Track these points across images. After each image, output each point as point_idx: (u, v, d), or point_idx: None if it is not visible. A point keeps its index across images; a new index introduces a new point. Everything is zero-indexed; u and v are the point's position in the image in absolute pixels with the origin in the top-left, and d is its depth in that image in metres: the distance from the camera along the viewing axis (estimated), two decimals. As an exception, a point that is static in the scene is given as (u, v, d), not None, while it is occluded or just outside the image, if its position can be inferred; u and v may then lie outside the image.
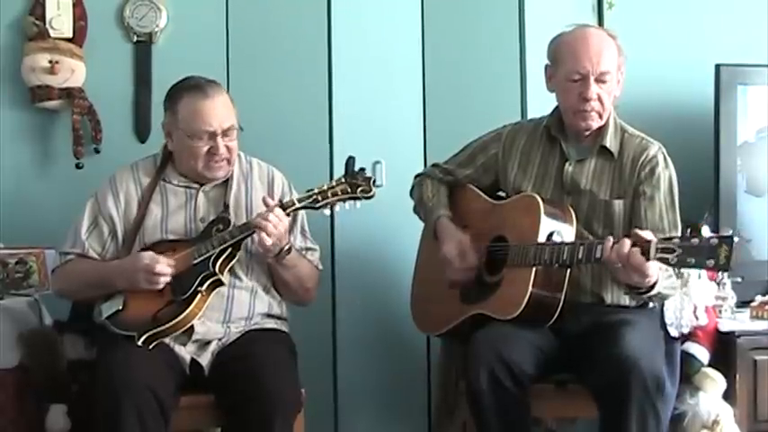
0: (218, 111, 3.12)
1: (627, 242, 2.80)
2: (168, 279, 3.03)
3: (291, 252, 3.12)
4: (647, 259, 2.76)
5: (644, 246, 2.76)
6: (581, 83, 3.08)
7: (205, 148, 3.13)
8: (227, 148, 3.15)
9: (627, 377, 2.83)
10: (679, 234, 3.02)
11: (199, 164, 3.15)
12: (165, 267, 3.02)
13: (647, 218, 3.07)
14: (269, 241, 3.01)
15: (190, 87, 3.14)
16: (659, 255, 2.73)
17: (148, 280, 3.02)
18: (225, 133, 3.13)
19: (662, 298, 3.06)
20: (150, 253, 3.06)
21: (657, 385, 2.86)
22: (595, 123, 3.13)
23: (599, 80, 3.07)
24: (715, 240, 2.65)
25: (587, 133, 3.16)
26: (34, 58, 3.62)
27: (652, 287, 2.88)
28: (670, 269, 2.91)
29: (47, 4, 3.64)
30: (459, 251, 3.16)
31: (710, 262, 2.65)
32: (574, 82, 3.09)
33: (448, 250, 3.18)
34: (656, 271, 2.84)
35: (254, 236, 3.05)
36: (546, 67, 3.20)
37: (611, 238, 2.84)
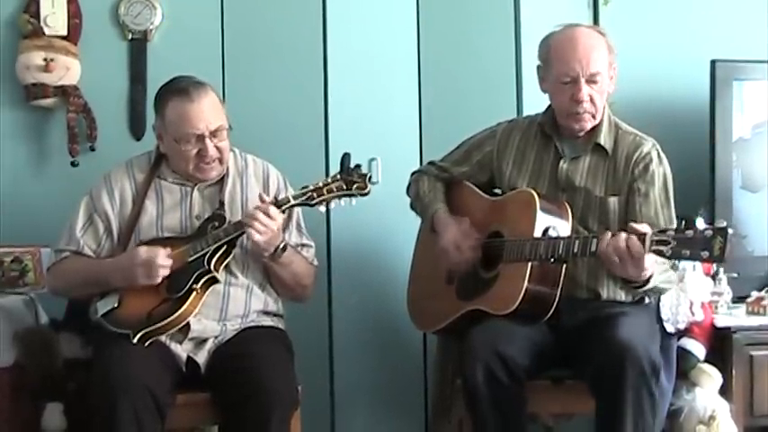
0: (205, 113, 3.10)
1: (623, 235, 2.80)
2: (167, 272, 3.03)
3: (287, 250, 3.12)
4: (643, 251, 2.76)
5: (639, 239, 2.77)
6: (572, 85, 3.08)
7: (194, 151, 3.12)
8: (218, 148, 3.14)
9: (622, 360, 2.83)
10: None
11: (190, 166, 3.15)
12: (164, 260, 3.02)
13: (642, 214, 3.07)
14: (258, 238, 3.00)
15: (175, 91, 3.13)
16: (654, 247, 2.74)
17: (147, 274, 3.02)
18: (213, 134, 3.12)
19: (658, 292, 3.07)
20: (146, 247, 3.05)
21: (653, 367, 2.87)
22: (589, 124, 3.14)
23: (590, 81, 3.07)
24: (709, 232, 2.67)
25: (581, 133, 3.16)
26: (29, 55, 3.61)
27: (647, 281, 2.89)
28: (667, 263, 2.91)
29: (41, 1, 3.62)
30: (457, 240, 3.16)
31: (705, 253, 2.66)
32: (564, 84, 3.09)
33: (447, 238, 3.18)
34: (652, 264, 2.84)
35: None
36: (538, 68, 3.20)
37: (609, 233, 2.85)
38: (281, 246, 3.09)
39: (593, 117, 3.13)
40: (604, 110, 3.17)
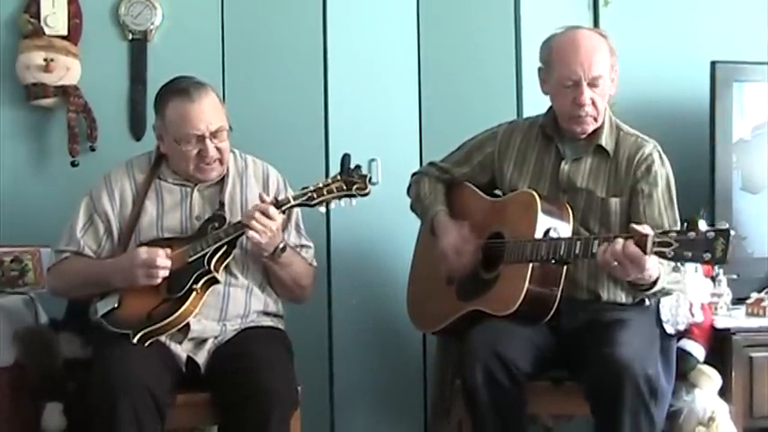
0: (206, 114, 3.10)
1: (619, 240, 2.80)
2: (167, 273, 3.03)
3: (286, 251, 3.12)
4: (645, 253, 2.76)
5: (641, 240, 2.76)
6: (574, 89, 3.07)
7: (194, 152, 3.12)
8: (218, 149, 3.13)
9: (620, 380, 2.83)
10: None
11: (190, 167, 3.15)
12: (164, 261, 3.02)
13: (645, 215, 3.07)
14: (257, 238, 3.00)
15: (176, 92, 3.13)
16: (656, 249, 2.73)
17: (147, 274, 3.02)
18: (214, 135, 3.12)
19: (666, 293, 3.06)
20: (147, 248, 3.05)
21: (650, 388, 2.86)
22: (591, 127, 3.13)
23: (592, 84, 3.07)
24: (712, 234, 2.66)
25: (583, 135, 3.16)
26: (29, 55, 3.61)
27: (655, 283, 2.89)
28: (673, 264, 2.91)
29: (42, 1, 3.62)
30: (457, 245, 3.16)
31: (707, 255, 2.66)
32: (566, 88, 3.08)
33: (447, 243, 3.18)
34: (656, 265, 2.84)
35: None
36: (539, 69, 3.20)
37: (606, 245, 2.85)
38: (281, 246, 3.09)
39: (595, 120, 3.12)
40: (605, 111, 3.17)
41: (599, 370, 2.87)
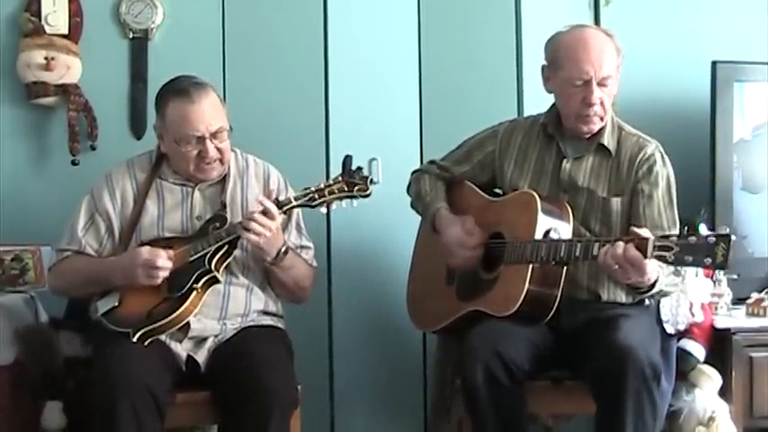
0: (206, 115, 3.10)
1: (620, 243, 2.80)
2: (167, 273, 3.03)
3: (288, 253, 3.12)
4: (645, 257, 2.76)
5: (641, 244, 2.76)
6: (584, 88, 3.06)
7: (194, 152, 3.12)
8: (218, 149, 3.13)
9: (623, 364, 2.83)
10: (677, 231, 3.03)
11: (190, 167, 3.15)
12: (165, 261, 3.02)
13: (645, 215, 3.07)
14: (255, 239, 3.00)
15: (176, 92, 3.12)
16: (657, 253, 2.73)
17: (148, 274, 3.02)
18: (214, 135, 3.12)
19: (664, 295, 3.07)
20: (149, 248, 3.05)
21: (654, 371, 2.86)
22: (596, 126, 3.13)
23: (601, 84, 3.06)
24: (713, 239, 2.66)
25: (588, 135, 3.16)
26: (30, 54, 3.61)
27: (653, 285, 2.89)
28: (671, 266, 2.91)
29: (42, 0, 3.63)
30: (465, 231, 3.15)
31: (708, 260, 2.65)
32: (576, 87, 3.07)
33: (452, 233, 3.17)
34: (655, 269, 2.84)
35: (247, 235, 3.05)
36: (543, 68, 3.19)
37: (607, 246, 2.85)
38: (283, 249, 3.09)
39: (602, 119, 3.12)
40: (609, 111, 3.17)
41: (602, 355, 2.87)
